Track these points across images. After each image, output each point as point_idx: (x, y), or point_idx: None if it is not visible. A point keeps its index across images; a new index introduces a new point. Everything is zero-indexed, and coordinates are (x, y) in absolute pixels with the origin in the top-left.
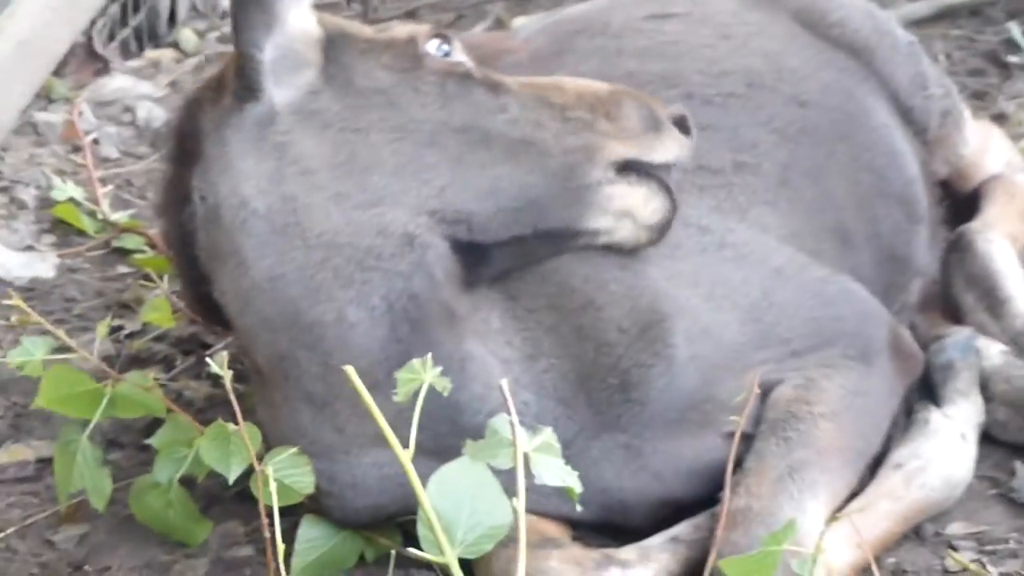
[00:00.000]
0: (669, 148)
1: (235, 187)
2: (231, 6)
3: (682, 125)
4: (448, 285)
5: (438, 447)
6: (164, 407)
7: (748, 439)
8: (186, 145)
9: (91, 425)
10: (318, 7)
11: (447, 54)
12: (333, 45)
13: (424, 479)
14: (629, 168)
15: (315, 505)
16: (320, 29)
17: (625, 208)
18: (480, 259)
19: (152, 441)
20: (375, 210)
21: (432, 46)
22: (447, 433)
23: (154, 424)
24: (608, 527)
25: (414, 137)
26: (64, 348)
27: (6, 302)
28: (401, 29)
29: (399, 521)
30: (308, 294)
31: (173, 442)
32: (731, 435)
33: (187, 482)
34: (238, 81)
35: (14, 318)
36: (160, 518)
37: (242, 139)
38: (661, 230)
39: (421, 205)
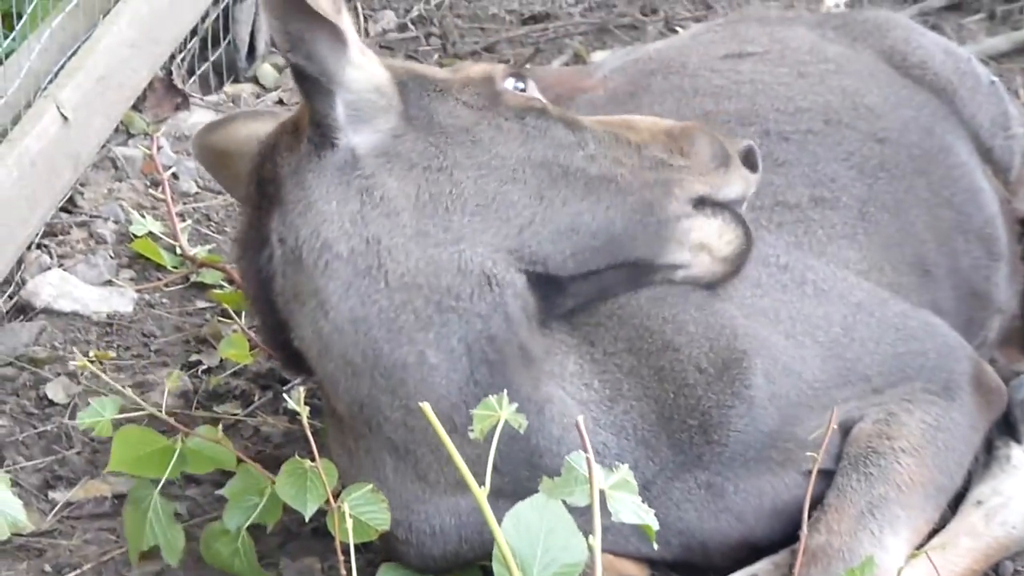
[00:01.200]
0: (736, 184)
1: (316, 230)
2: (294, 79)
3: (750, 158)
4: (525, 325)
5: (518, 490)
6: (234, 460)
7: (828, 476)
8: (264, 189)
9: (162, 482)
10: (400, 42)
11: (522, 91)
12: (408, 88)
13: (500, 519)
14: (703, 203)
15: (392, 552)
16: (390, 75)
17: (701, 241)
18: (557, 294)
19: (223, 492)
20: (454, 248)
21: (508, 83)
22: (527, 477)
23: (227, 473)
24: (687, 567)
25: (497, 173)
26: (135, 406)
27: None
28: (476, 68)
29: (481, 566)
30: (390, 336)
31: (243, 491)
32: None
33: (257, 530)
34: (314, 131)
35: (93, 352)
36: (228, 564)
37: (324, 183)
38: (737, 262)
39: (500, 243)
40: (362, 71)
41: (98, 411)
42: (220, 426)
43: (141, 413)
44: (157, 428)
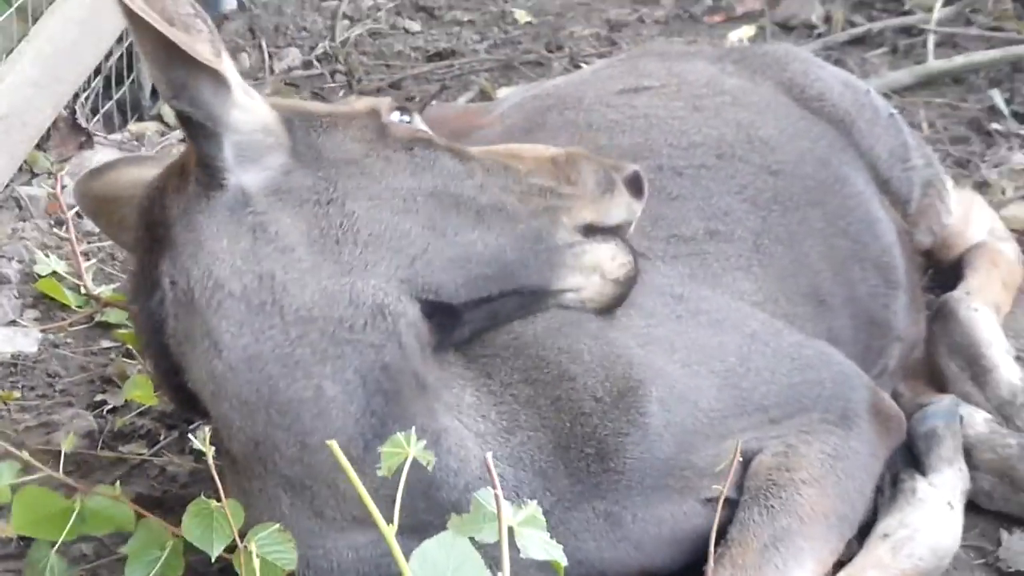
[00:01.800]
0: (619, 209)
1: (208, 269)
2: (179, 124)
3: (635, 183)
4: (419, 353)
5: (415, 523)
6: (133, 519)
7: (730, 505)
8: (153, 232)
9: (58, 542)
10: (305, 79)
11: (408, 123)
12: (295, 125)
13: (404, 555)
14: (591, 229)
15: None
16: (276, 113)
17: (593, 264)
18: (452, 321)
19: (125, 549)
20: (347, 279)
21: (394, 116)
22: (423, 509)
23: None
24: None
25: (388, 204)
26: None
27: None
28: (361, 102)
29: None
30: (286, 372)
31: (145, 546)
32: (711, 501)
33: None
34: (202, 172)
35: None
36: None
37: (214, 223)
38: (627, 284)
39: (393, 273)
40: (247, 112)
41: None
42: (124, 469)
43: (38, 476)
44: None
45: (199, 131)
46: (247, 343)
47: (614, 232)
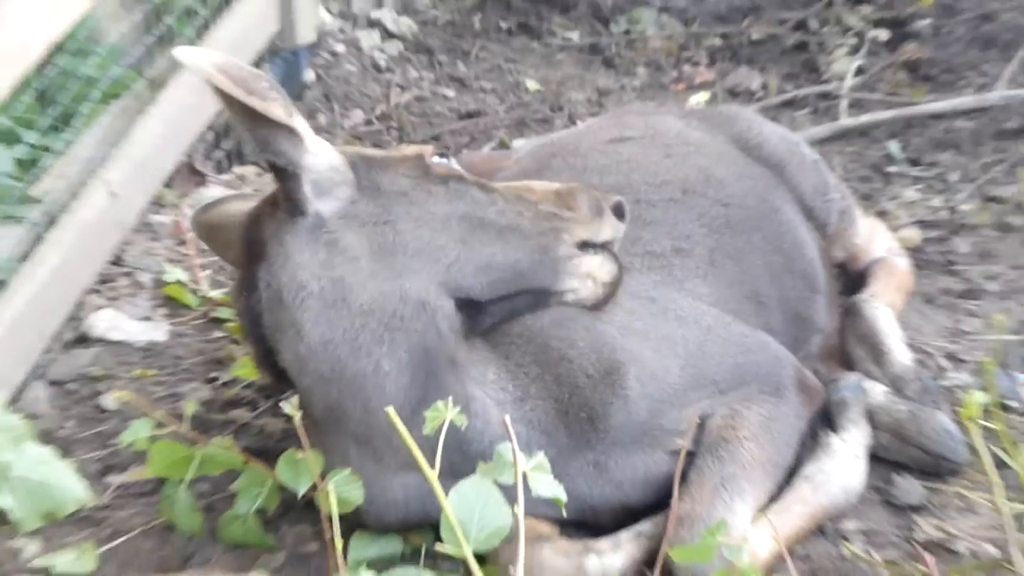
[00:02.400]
0: (607, 230)
1: (293, 275)
2: (268, 169)
3: (619, 210)
4: (452, 339)
5: (451, 470)
6: (241, 462)
7: (690, 456)
8: (253, 248)
9: (185, 482)
10: (367, 133)
11: (446, 164)
12: (358, 165)
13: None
14: (585, 244)
15: (358, 519)
16: (342, 157)
17: (587, 272)
18: (478, 314)
19: (234, 487)
20: (398, 282)
21: (435, 159)
22: (457, 459)
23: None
24: (581, 525)
25: (429, 225)
26: (162, 425)
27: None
28: (410, 149)
29: (431, 523)
30: (352, 352)
31: (249, 485)
32: (675, 453)
33: (261, 511)
34: (287, 204)
35: (136, 371)
36: (241, 539)
37: (298, 241)
38: (614, 287)
39: (433, 277)
40: (319, 156)
41: (136, 431)
42: (233, 428)
43: (169, 431)
44: (182, 439)
45: (283, 174)
46: (323, 331)
47: (604, 247)
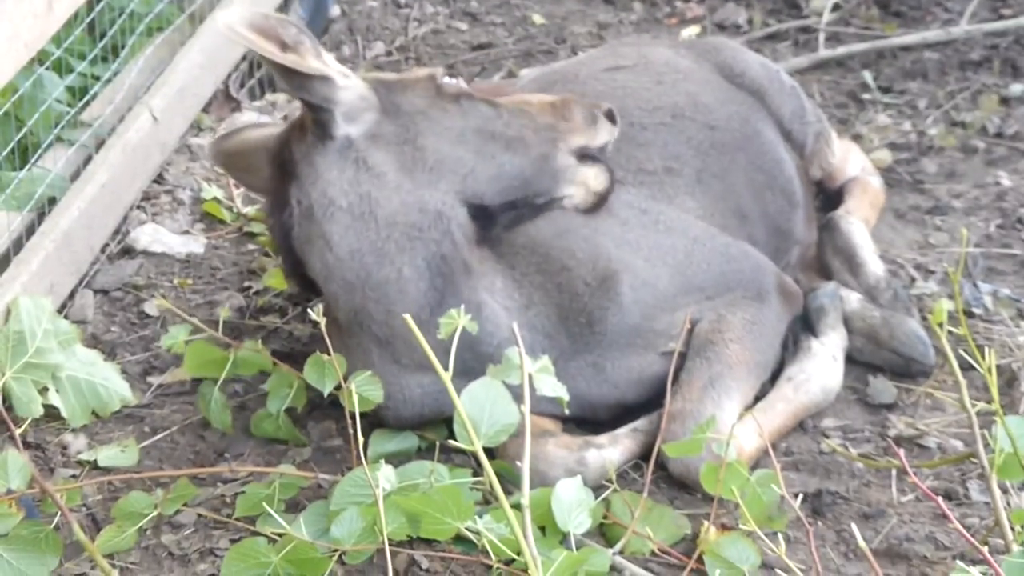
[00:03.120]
0: (604, 134)
1: (324, 191)
2: (302, 104)
3: (610, 115)
4: (466, 246)
5: (463, 369)
6: (271, 364)
7: (681, 357)
8: (284, 169)
9: (220, 380)
10: (387, 64)
11: (455, 83)
12: (379, 90)
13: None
14: (582, 151)
15: (377, 416)
16: (366, 84)
17: (582, 179)
18: (489, 220)
19: (265, 386)
20: (418, 194)
21: (446, 79)
22: (469, 359)
23: (267, 372)
24: (581, 421)
25: (447, 139)
26: (201, 328)
27: (172, 278)
28: (420, 71)
29: (444, 420)
30: (377, 261)
31: (279, 385)
32: (667, 354)
33: (290, 409)
34: (317, 128)
35: (176, 281)
36: (273, 434)
37: (328, 161)
38: (605, 194)
39: (450, 187)
40: (348, 91)
41: (175, 335)
42: (264, 332)
43: (204, 335)
44: (217, 343)
45: (317, 109)
46: (351, 242)
47: (599, 155)
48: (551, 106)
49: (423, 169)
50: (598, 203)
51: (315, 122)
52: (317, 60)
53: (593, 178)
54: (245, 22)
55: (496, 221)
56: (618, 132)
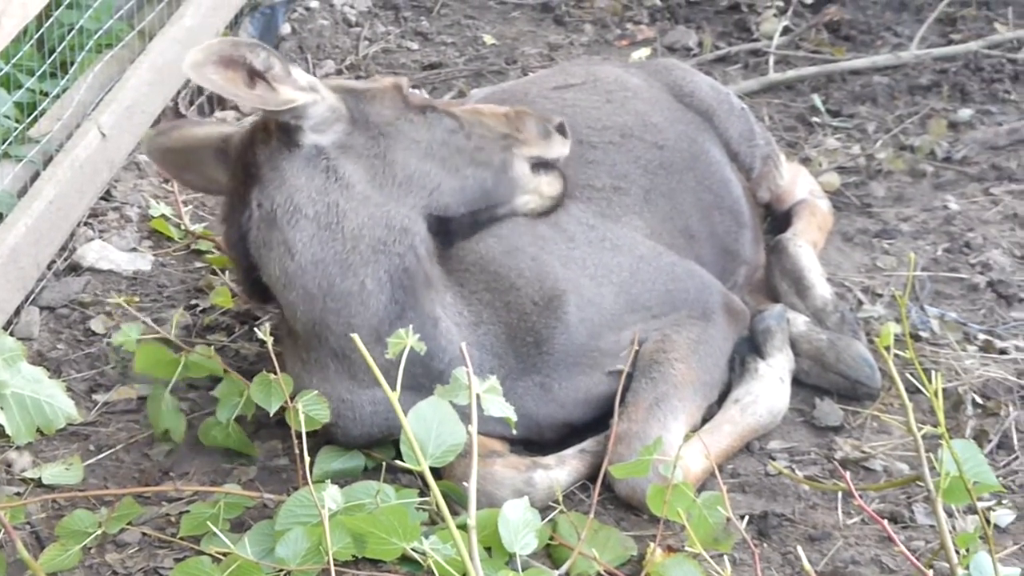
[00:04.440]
0: (556, 147)
1: (289, 198)
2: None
3: (562, 130)
4: (427, 259)
5: (415, 384)
6: (222, 369)
7: (628, 378)
8: (246, 170)
9: (171, 383)
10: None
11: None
12: (348, 100)
13: (404, 408)
14: (537, 162)
15: (326, 434)
16: (336, 95)
17: (536, 187)
18: (448, 230)
19: (215, 393)
20: (385, 208)
21: (411, 89)
22: (421, 374)
23: (216, 380)
24: (528, 443)
25: (415, 152)
26: (152, 331)
27: (119, 295)
28: (386, 80)
29: (392, 441)
30: (341, 271)
31: (229, 393)
32: (612, 374)
33: (239, 419)
34: (283, 135)
35: (123, 298)
36: (222, 443)
37: (295, 167)
38: (558, 200)
39: (417, 202)
40: (317, 105)
41: (127, 333)
42: (211, 348)
43: (156, 336)
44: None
45: (286, 124)
46: (315, 250)
47: (552, 165)
48: (505, 117)
49: (392, 183)
50: (552, 208)
51: (281, 129)
52: (286, 85)
53: (547, 184)
54: (213, 55)
55: (454, 231)
56: (570, 146)
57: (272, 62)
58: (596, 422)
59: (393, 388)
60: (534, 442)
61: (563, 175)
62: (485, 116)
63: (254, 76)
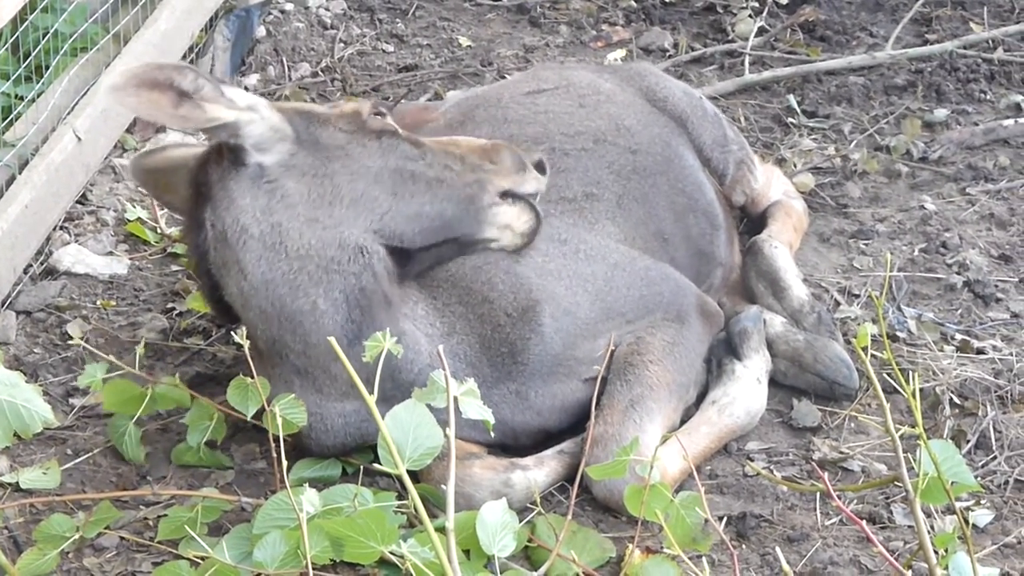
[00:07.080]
0: (531, 183)
1: (237, 218)
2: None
3: (540, 166)
4: (386, 279)
5: (384, 396)
6: (189, 399)
7: (603, 383)
8: (200, 190)
9: (135, 416)
10: (313, 84)
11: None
12: (297, 121)
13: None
14: (507, 195)
15: (299, 444)
16: (280, 115)
17: (506, 222)
18: (409, 260)
19: (185, 420)
20: (336, 230)
21: (371, 116)
22: (389, 387)
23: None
24: (504, 448)
25: (364, 177)
26: (116, 368)
27: (95, 299)
28: (349, 105)
29: (369, 447)
30: (291, 292)
31: (199, 418)
32: (588, 381)
33: (210, 442)
34: (230, 155)
35: (99, 302)
36: (194, 465)
37: (241, 187)
38: (531, 235)
39: (368, 226)
40: (255, 124)
41: (91, 374)
42: (187, 355)
43: (121, 373)
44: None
45: (227, 142)
46: (263, 271)
47: (526, 199)
48: (481, 148)
49: (339, 205)
50: (524, 245)
51: (228, 149)
52: (216, 104)
53: (516, 218)
54: (134, 79)
55: (415, 261)
56: (547, 182)
57: (201, 83)
58: (572, 428)
59: (371, 392)
60: (509, 448)
61: (537, 212)
62: (459, 146)
63: (183, 98)
